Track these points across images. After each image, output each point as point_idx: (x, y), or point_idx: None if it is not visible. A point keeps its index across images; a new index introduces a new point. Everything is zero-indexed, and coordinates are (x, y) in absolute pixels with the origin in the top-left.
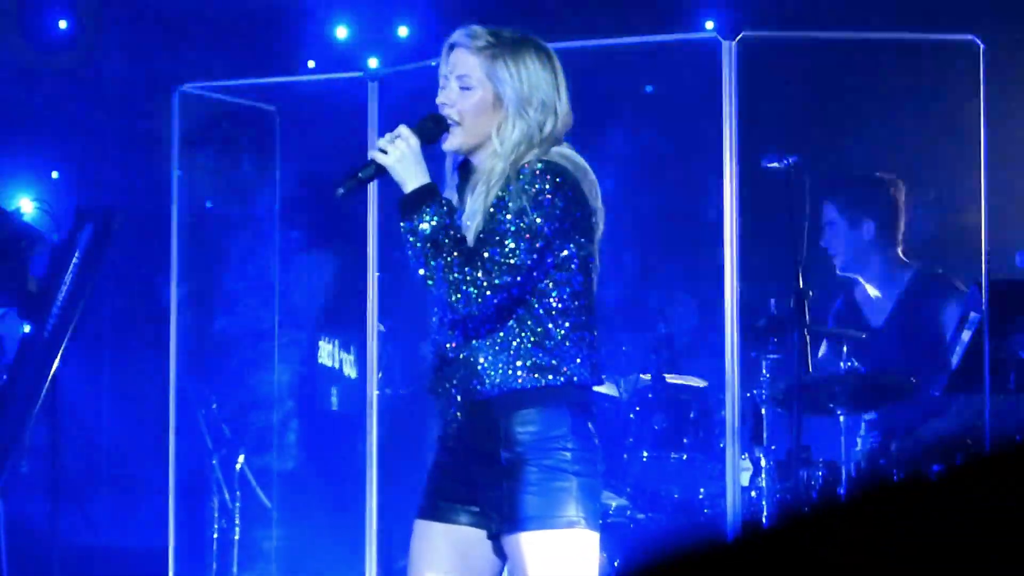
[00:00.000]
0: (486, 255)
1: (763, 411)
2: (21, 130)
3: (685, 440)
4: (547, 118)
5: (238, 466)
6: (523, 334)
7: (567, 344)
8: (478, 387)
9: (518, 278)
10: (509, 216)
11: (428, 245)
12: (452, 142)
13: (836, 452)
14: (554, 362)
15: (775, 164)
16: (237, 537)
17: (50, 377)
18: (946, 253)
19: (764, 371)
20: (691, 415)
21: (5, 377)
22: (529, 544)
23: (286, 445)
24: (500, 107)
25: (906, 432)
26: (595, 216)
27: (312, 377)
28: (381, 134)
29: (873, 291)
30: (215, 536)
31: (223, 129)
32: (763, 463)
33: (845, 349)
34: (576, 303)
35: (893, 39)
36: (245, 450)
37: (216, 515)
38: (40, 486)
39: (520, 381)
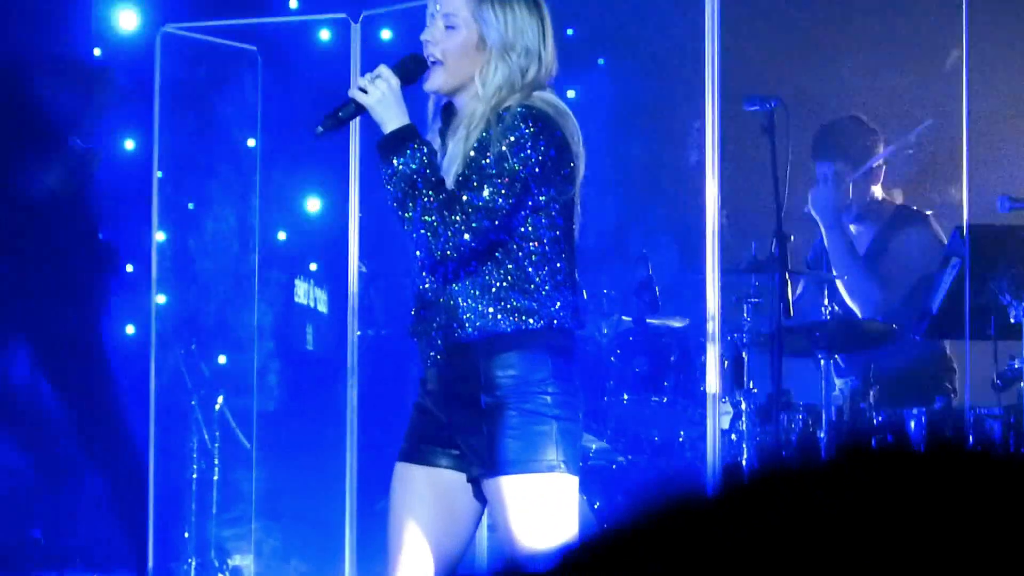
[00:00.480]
0: (464, 198)
1: (744, 355)
2: None
3: (666, 383)
4: (530, 64)
5: (217, 407)
6: (503, 277)
7: (547, 288)
8: (458, 330)
9: (496, 221)
10: (488, 160)
11: (406, 186)
12: (433, 81)
13: (816, 396)
14: (534, 306)
15: (756, 108)
16: (216, 478)
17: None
18: (927, 197)
19: (745, 314)
20: (672, 358)
21: None
22: (509, 488)
23: (266, 386)
24: (483, 49)
25: (886, 375)
26: (576, 161)
27: (291, 318)
28: (363, 74)
29: (853, 227)
30: (194, 476)
31: (205, 69)
32: (744, 406)
33: (826, 291)
34: (557, 247)
35: None
36: (224, 391)
37: (195, 456)
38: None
39: (500, 324)
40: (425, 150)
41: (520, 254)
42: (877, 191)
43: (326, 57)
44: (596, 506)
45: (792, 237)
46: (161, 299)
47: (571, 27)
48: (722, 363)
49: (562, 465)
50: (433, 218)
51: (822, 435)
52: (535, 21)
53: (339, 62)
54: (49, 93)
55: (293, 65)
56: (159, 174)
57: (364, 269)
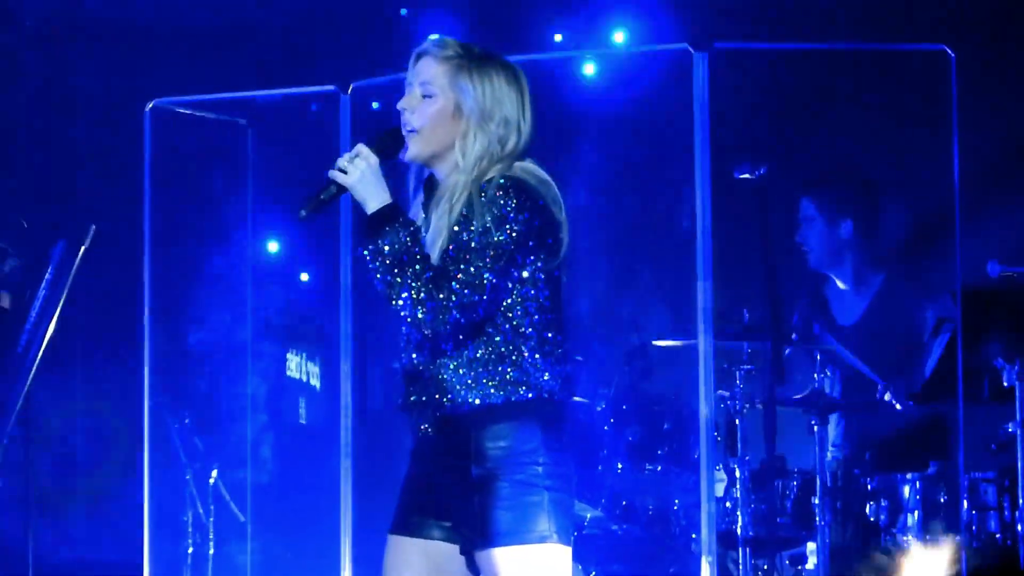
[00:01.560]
0: (452, 274)
1: (737, 421)
2: None
3: (659, 451)
4: (509, 135)
5: (212, 480)
6: (490, 350)
7: (536, 358)
8: (447, 402)
9: (484, 296)
10: (473, 234)
11: (392, 264)
12: (411, 150)
13: (810, 462)
14: (524, 376)
15: (747, 175)
16: (212, 552)
17: (24, 393)
18: (919, 263)
19: (738, 381)
20: (665, 426)
21: None
22: (502, 559)
23: (260, 459)
24: (460, 118)
25: (880, 440)
26: (560, 230)
27: (284, 391)
28: (352, 144)
29: (842, 285)
30: (189, 551)
31: (195, 144)
32: (737, 474)
33: (817, 355)
34: (544, 317)
35: (864, 49)
36: (218, 464)
37: (190, 530)
38: (14, 502)
39: (490, 396)
40: (410, 228)
41: (508, 326)
42: (872, 253)
43: (316, 129)
44: (592, 575)
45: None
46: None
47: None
48: (715, 430)
49: (554, 535)
50: (421, 295)
51: (816, 501)
52: (514, 91)
53: (329, 134)
54: None
55: (283, 137)
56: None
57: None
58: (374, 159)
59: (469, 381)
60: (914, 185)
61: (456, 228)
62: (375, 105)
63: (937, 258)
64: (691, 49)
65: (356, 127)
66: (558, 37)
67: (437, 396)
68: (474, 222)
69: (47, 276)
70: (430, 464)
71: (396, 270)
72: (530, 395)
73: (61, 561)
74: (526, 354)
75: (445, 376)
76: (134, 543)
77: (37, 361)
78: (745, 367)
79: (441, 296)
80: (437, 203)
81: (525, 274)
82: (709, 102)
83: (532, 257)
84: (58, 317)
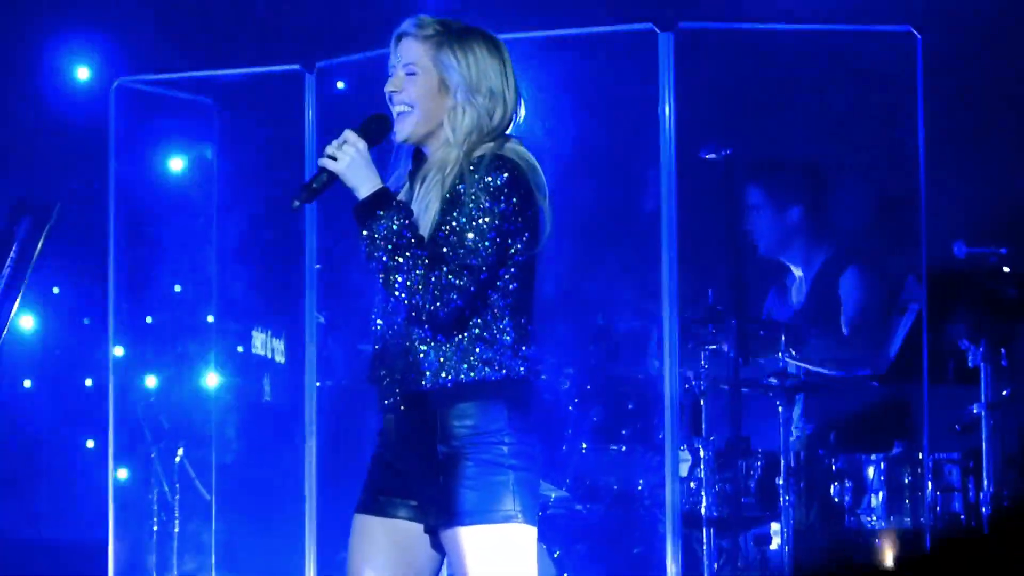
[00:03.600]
0: (446, 256)
1: (701, 402)
2: None
3: (624, 432)
4: (496, 106)
5: (177, 459)
6: (464, 331)
7: (506, 338)
8: (417, 379)
9: (480, 276)
10: (467, 213)
11: (387, 249)
12: (404, 129)
13: (775, 442)
14: (493, 356)
15: (712, 156)
16: (177, 530)
17: None
18: (885, 244)
19: (703, 362)
20: (629, 407)
21: None
22: (466, 538)
23: (225, 438)
24: (447, 93)
25: (844, 421)
26: (543, 215)
27: (249, 370)
28: (319, 126)
29: (797, 271)
30: (155, 529)
31: (161, 122)
32: (702, 454)
33: (782, 336)
34: (519, 298)
35: (830, 30)
36: (184, 443)
37: (155, 508)
38: None
39: (459, 375)
40: (402, 212)
41: (483, 307)
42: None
43: (281, 108)
44: (556, 555)
45: (764, 258)
46: (119, 351)
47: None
48: (679, 411)
49: (519, 515)
50: (416, 277)
51: (780, 481)
52: (496, 62)
53: (294, 113)
54: None
55: (249, 116)
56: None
57: (322, 319)
58: (362, 144)
59: (442, 359)
60: (880, 166)
61: (447, 206)
62: (340, 85)
63: (903, 240)
64: (656, 29)
65: (320, 106)
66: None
67: (407, 371)
68: (467, 202)
69: (11, 255)
70: (396, 444)
71: (392, 253)
72: (500, 375)
73: (24, 539)
74: (498, 335)
75: (417, 351)
76: (99, 522)
77: (2, 339)
78: (710, 347)
79: (438, 278)
80: (423, 176)
81: (510, 253)
82: (675, 83)
83: (516, 239)
84: (23, 296)
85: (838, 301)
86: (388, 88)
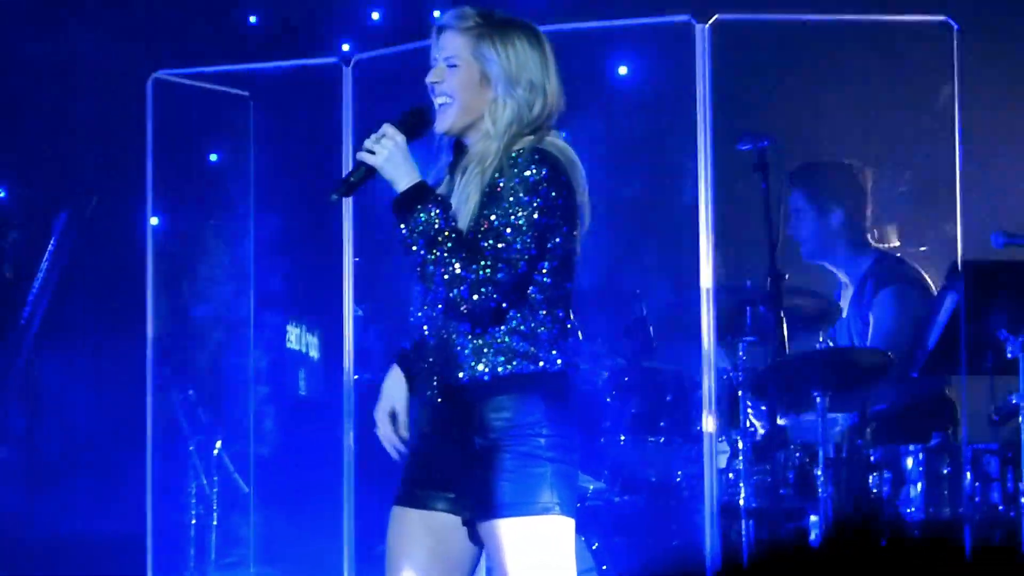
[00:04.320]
0: (486, 249)
1: (739, 393)
2: None
3: (662, 423)
4: (536, 98)
5: (215, 452)
6: (503, 324)
7: (542, 331)
8: (455, 372)
9: (518, 270)
10: (505, 207)
11: (425, 243)
12: (444, 121)
13: (813, 434)
14: (532, 350)
15: (749, 147)
16: (215, 523)
17: (26, 365)
18: (922, 235)
19: (741, 353)
20: (667, 398)
21: None
22: (505, 531)
23: (263, 430)
24: (488, 85)
25: (883, 412)
26: (582, 209)
27: (287, 362)
28: (355, 119)
29: (843, 277)
30: (193, 522)
31: (197, 115)
32: (740, 445)
33: (821, 336)
34: (557, 292)
35: (867, 21)
36: (222, 436)
37: (194, 501)
38: (18, 473)
39: (496, 368)
40: (441, 205)
41: (522, 301)
42: (865, 236)
43: (318, 101)
44: (594, 547)
45: (787, 275)
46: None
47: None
48: (718, 402)
49: (557, 507)
50: (455, 271)
51: (819, 473)
52: (537, 54)
53: (331, 106)
54: None
55: (286, 109)
56: (154, 220)
57: (360, 312)
58: (400, 138)
59: (479, 353)
60: (916, 156)
61: (487, 199)
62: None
63: (940, 231)
64: (693, 21)
65: (358, 99)
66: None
67: (445, 364)
68: (507, 197)
69: (49, 248)
70: (433, 436)
71: (430, 247)
72: (536, 368)
73: (63, 533)
74: (536, 328)
75: (455, 344)
76: (137, 515)
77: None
78: (748, 338)
79: (476, 272)
80: (463, 169)
81: (548, 247)
82: (711, 74)
83: (555, 234)
84: (61, 289)
85: (866, 321)
86: (429, 79)
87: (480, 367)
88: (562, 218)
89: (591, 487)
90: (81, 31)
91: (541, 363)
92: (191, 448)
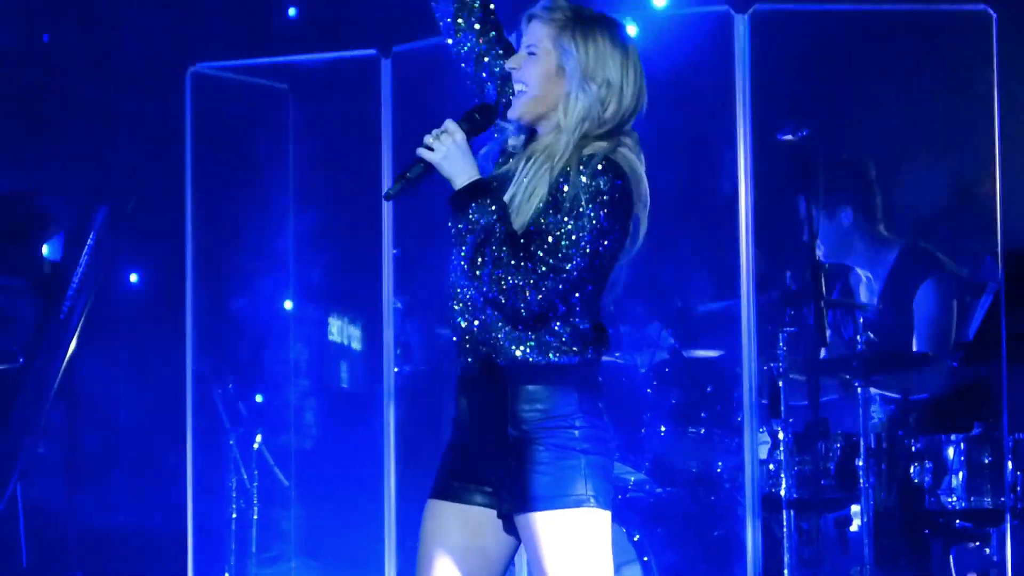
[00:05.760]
0: (539, 255)
1: (780, 384)
2: (34, 112)
3: (702, 414)
4: (611, 97)
5: (256, 445)
6: (544, 324)
7: (580, 323)
8: (492, 355)
9: (567, 281)
10: (565, 216)
11: (476, 241)
12: (517, 107)
13: (854, 424)
14: (566, 342)
15: (789, 137)
16: (256, 517)
17: (66, 359)
18: (962, 225)
19: (781, 344)
20: (708, 389)
21: (22, 359)
22: (540, 524)
23: (303, 424)
24: (563, 77)
25: (923, 402)
26: (638, 225)
27: (327, 355)
28: (394, 112)
29: (864, 273)
30: (233, 516)
31: (236, 108)
32: (781, 436)
33: (861, 321)
34: (595, 290)
35: (905, 9)
36: (262, 429)
37: (234, 495)
38: (57, 468)
39: (531, 356)
40: (496, 205)
41: (565, 301)
42: (880, 228)
43: (357, 93)
44: (636, 538)
45: (826, 265)
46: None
47: None
48: (758, 393)
49: (592, 499)
50: (503, 274)
51: (860, 463)
52: (618, 54)
53: (370, 98)
54: None
55: (325, 102)
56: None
57: (399, 305)
58: (460, 135)
59: (518, 341)
60: (955, 146)
61: (550, 200)
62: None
63: (980, 221)
64: (732, 11)
65: (397, 91)
66: None
67: (484, 346)
68: (568, 200)
69: (89, 243)
70: (469, 428)
71: (478, 248)
72: (570, 358)
73: (104, 527)
74: (574, 320)
75: (496, 334)
76: (178, 509)
77: (79, 328)
78: (788, 329)
79: (526, 276)
80: (529, 156)
81: (600, 252)
82: (751, 64)
83: (612, 247)
84: (101, 284)
85: (910, 315)
86: (507, 65)
87: (517, 353)
88: (620, 233)
89: (632, 478)
90: (119, 24)
91: (576, 355)
92: (231, 442)
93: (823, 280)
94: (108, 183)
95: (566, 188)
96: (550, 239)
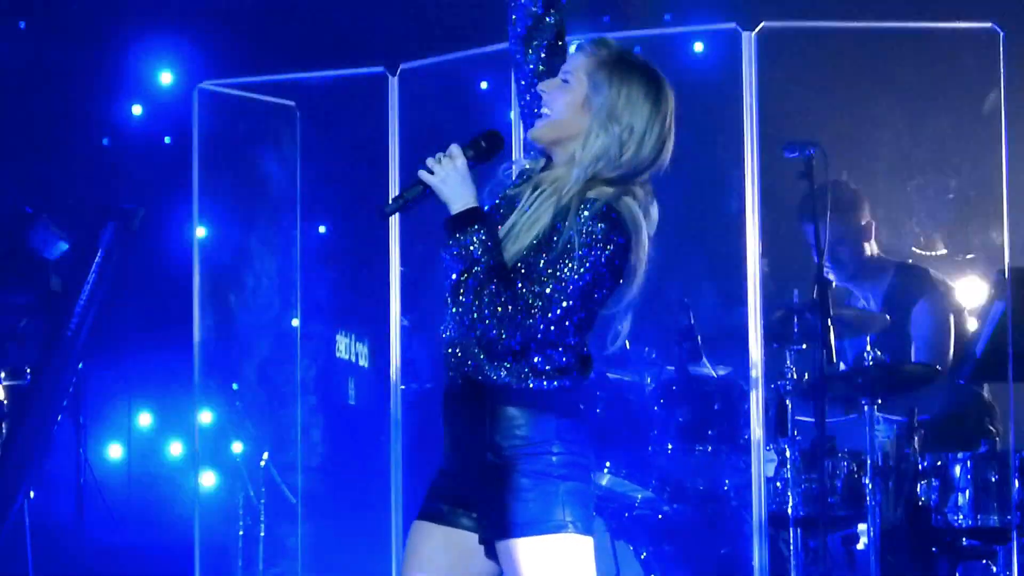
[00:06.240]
0: (523, 292)
1: (787, 402)
2: (40, 129)
3: (710, 432)
4: (631, 143)
5: (262, 463)
6: (524, 357)
7: (563, 351)
8: (475, 374)
9: (547, 319)
10: (557, 256)
11: (463, 270)
12: (536, 129)
13: (861, 442)
14: (549, 366)
15: (796, 155)
16: (263, 534)
17: (75, 375)
18: (968, 242)
19: (788, 361)
20: (715, 407)
21: (30, 375)
22: (520, 550)
23: (310, 441)
24: (589, 111)
25: (930, 420)
26: (634, 268)
27: (333, 372)
28: (401, 129)
29: (864, 300)
30: (240, 533)
31: (243, 125)
32: (788, 454)
33: (868, 337)
34: (582, 323)
35: (912, 28)
36: (269, 447)
37: (241, 512)
38: (65, 483)
39: (510, 380)
40: (486, 236)
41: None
42: (869, 248)
43: (365, 111)
44: (643, 556)
45: (834, 283)
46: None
47: None
48: (765, 411)
49: (571, 525)
50: (485, 307)
51: (867, 481)
52: (649, 104)
53: (377, 116)
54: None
55: (332, 119)
56: (200, 231)
57: (406, 323)
58: (461, 160)
59: (498, 367)
60: (962, 163)
61: (545, 236)
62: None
63: (986, 238)
64: (739, 29)
65: (404, 109)
66: (606, 18)
67: (467, 366)
68: (561, 240)
69: (96, 259)
70: (451, 452)
71: (464, 274)
72: (548, 383)
73: (112, 543)
74: (557, 347)
75: (480, 357)
76: (185, 525)
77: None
78: (795, 347)
79: (502, 310)
80: (538, 184)
81: (589, 303)
82: (758, 82)
83: (601, 290)
84: (107, 300)
85: (908, 337)
86: (539, 87)
87: (496, 376)
88: (609, 277)
89: (639, 496)
90: (126, 41)
91: (556, 382)
92: (238, 459)
93: (830, 297)
94: (115, 201)
95: (560, 228)
96: (536, 278)
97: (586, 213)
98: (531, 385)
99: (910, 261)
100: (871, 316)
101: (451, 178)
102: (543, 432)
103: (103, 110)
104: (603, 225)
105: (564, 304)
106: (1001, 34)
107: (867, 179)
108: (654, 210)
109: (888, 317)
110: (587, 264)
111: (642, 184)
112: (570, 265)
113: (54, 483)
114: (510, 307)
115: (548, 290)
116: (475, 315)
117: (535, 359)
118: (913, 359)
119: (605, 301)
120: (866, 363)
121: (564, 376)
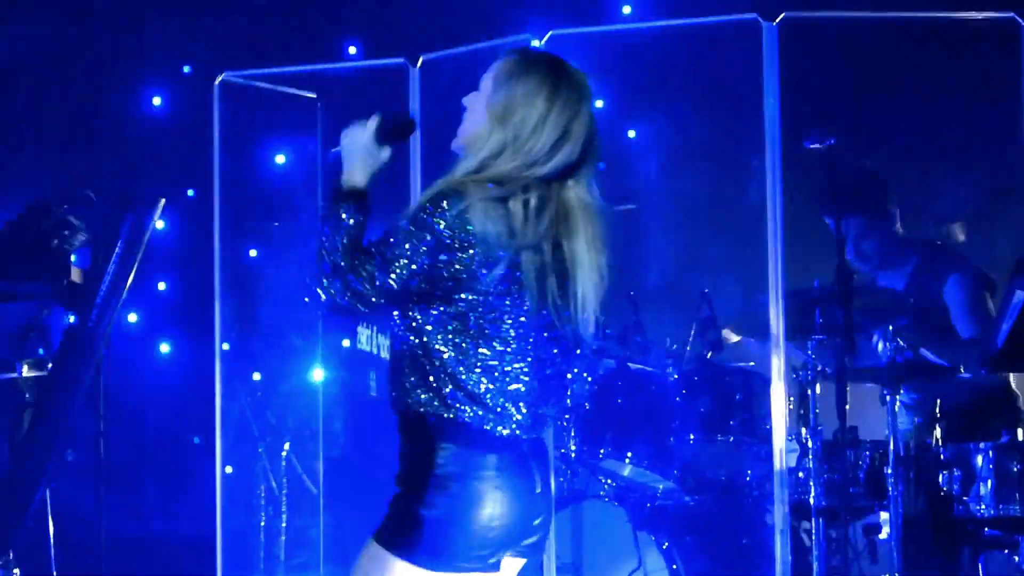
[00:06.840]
0: (370, 248)
1: (809, 392)
2: (59, 121)
3: (731, 422)
4: (524, 134)
5: (284, 454)
6: (408, 361)
7: (447, 378)
8: (391, 392)
9: (375, 299)
10: (397, 226)
11: (329, 229)
12: (453, 144)
13: (882, 432)
14: (434, 399)
15: (817, 145)
16: (284, 525)
17: (95, 366)
18: (992, 231)
19: (809, 352)
20: (737, 397)
21: (51, 366)
22: (367, 550)
23: (331, 432)
24: (484, 114)
25: (952, 410)
26: (483, 258)
27: (355, 364)
28: (423, 120)
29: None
30: (262, 524)
31: (265, 117)
32: (809, 444)
33: (891, 328)
34: (466, 339)
35: (933, 18)
36: (291, 438)
37: (263, 503)
38: (86, 475)
39: (401, 405)
40: (358, 209)
41: (419, 342)
42: (892, 235)
43: (386, 102)
44: (664, 546)
45: (855, 274)
46: (225, 347)
47: (631, 66)
48: (787, 401)
49: (417, 557)
50: (333, 256)
51: (889, 471)
52: (544, 95)
53: (398, 107)
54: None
55: (353, 111)
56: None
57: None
58: (365, 137)
59: (394, 383)
60: (984, 153)
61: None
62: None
63: (1009, 227)
64: (760, 19)
65: (425, 100)
66: (627, 9)
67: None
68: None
69: (116, 251)
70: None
71: (328, 236)
72: (438, 413)
73: (133, 535)
74: (437, 371)
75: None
76: (207, 517)
77: (107, 335)
78: (817, 337)
79: (346, 263)
80: None
81: (441, 292)
82: (779, 73)
83: (448, 270)
84: (128, 292)
85: (945, 308)
86: (463, 100)
87: (393, 397)
88: (436, 249)
89: (661, 487)
90: (148, 33)
91: (443, 409)
92: (260, 450)
93: (851, 287)
94: (135, 191)
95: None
96: (379, 255)
97: (427, 193)
98: (420, 410)
99: (939, 242)
100: (895, 299)
101: (349, 150)
102: (421, 461)
103: (124, 101)
104: (434, 202)
105: (400, 259)
106: (1022, 24)
107: (888, 168)
108: (529, 215)
109: (912, 300)
110: (411, 216)
111: (529, 184)
112: (405, 246)
113: (76, 474)
114: (357, 258)
115: (389, 241)
116: (327, 272)
117: (419, 383)
118: (959, 331)
119: (468, 300)
120: (888, 353)
121: (448, 404)
